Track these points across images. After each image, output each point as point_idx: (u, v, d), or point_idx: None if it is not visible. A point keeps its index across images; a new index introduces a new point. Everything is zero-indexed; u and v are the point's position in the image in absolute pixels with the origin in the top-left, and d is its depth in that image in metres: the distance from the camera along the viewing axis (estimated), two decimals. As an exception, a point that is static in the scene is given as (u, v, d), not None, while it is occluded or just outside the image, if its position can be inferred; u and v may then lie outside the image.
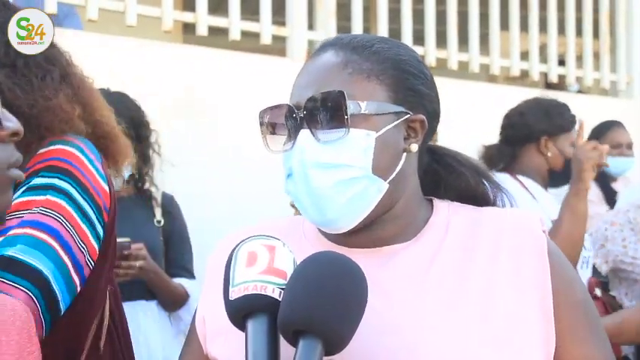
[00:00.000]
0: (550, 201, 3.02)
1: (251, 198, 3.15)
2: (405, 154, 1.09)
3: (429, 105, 1.13)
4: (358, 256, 1.06)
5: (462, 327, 1.01)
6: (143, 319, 2.46)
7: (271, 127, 1.11)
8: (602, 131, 4.00)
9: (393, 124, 1.07)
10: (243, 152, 3.17)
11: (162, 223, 2.58)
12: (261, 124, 1.11)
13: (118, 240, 2.31)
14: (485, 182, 1.19)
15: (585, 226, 2.73)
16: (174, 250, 2.60)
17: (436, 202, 1.16)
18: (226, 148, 3.23)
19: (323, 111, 1.05)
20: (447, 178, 1.18)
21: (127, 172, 2.46)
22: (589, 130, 4.13)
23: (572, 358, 1.06)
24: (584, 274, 2.84)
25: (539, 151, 2.91)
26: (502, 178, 2.94)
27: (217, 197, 3.17)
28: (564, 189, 3.31)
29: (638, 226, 3.01)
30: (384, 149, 1.06)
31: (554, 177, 3.00)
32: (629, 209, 3.08)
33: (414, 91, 1.10)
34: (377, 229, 1.09)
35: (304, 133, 1.06)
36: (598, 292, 2.83)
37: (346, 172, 1.05)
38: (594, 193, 3.81)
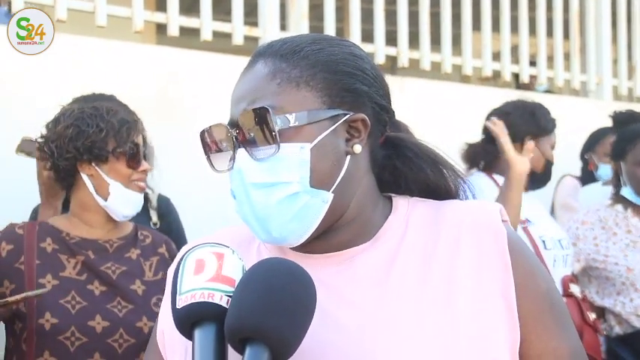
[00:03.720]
0: (526, 198, 3.03)
1: (227, 200, 3.14)
2: (348, 157, 1.06)
3: (370, 101, 1.08)
4: (315, 261, 1.06)
5: (424, 327, 1.00)
6: None
7: (216, 146, 1.08)
8: (599, 138, 4.02)
9: (329, 130, 1.04)
10: (206, 161, 3.14)
11: (158, 225, 2.58)
12: (203, 144, 1.09)
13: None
14: (445, 173, 1.15)
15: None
16: None
17: (395, 199, 1.14)
18: (199, 150, 3.22)
19: (252, 129, 1.02)
20: (406, 173, 1.15)
21: None
22: (567, 131, 4.16)
23: (538, 351, 1.05)
24: (563, 272, 2.87)
25: (522, 152, 2.93)
26: (477, 176, 2.98)
27: (189, 200, 3.16)
28: (542, 191, 3.36)
29: (608, 224, 3.06)
30: (322, 158, 1.03)
31: (534, 179, 3.02)
32: (599, 208, 3.12)
33: (350, 91, 1.06)
34: (332, 235, 1.07)
35: (241, 153, 1.04)
36: (575, 288, 2.88)
37: (285, 189, 1.02)
38: (576, 193, 3.85)
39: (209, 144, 1.08)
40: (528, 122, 2.96)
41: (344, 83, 1.06)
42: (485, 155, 3.00)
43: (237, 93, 1.08)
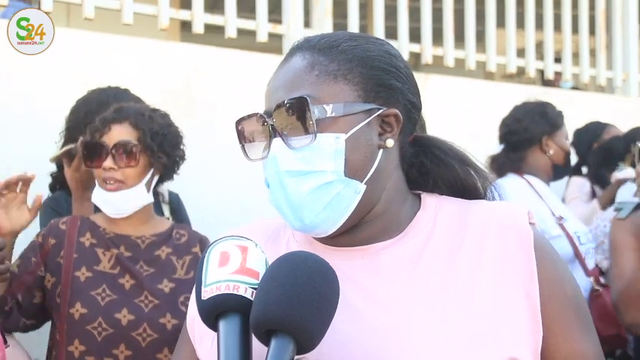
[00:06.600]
0: (554, 197, 3.10)
1: (248, 195, 3.17)
2: (380, 150, 1.08)
3: (403, 98, 1.11)
4: (342, 254, 1.08)
5: (447, 325, 1.00)
6: None
7: (250, 136, 1.10)
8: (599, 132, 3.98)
9: (363, 123, 1.06)
10: (240, 150, 3.16)
11: (170, 219, 2.62)
12: (238, 133, 1.11)
13: None
14: (473, 173, 1.16)
15: None
16: None
17: (424, 196, 1.15)
18: (223, 146, 3.24)
19: (290, 118, 1.04)
20: (434, 171, 1.16)
21: None
22: (574, 126, 4.13)
23: (564, 353, 1.05)
24: (591, 265, 2.96)
25: (542, 151, 3.03)
26: (510, 177, 3.03)
27: (213, 195, 3.19)
28: (563, 181, 3.40)
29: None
30: (356, 149, 1.05)
31: (558, 172, 3.12)
32: (627, 207, 3.11)
33: (385, 87, 1.09)
34: (360, 230, 1.09)
35: (276, 142, 1.06)
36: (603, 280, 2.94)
37: (319, 178, 1.04)
38: (583, 189, 3.83)
39: (244, 133, 1.11)
40: (541, 123, 3.04)
41: (379, 79, 1.09)
42: (511, 164, 3.06)
43: (274, 84, 1.10)
